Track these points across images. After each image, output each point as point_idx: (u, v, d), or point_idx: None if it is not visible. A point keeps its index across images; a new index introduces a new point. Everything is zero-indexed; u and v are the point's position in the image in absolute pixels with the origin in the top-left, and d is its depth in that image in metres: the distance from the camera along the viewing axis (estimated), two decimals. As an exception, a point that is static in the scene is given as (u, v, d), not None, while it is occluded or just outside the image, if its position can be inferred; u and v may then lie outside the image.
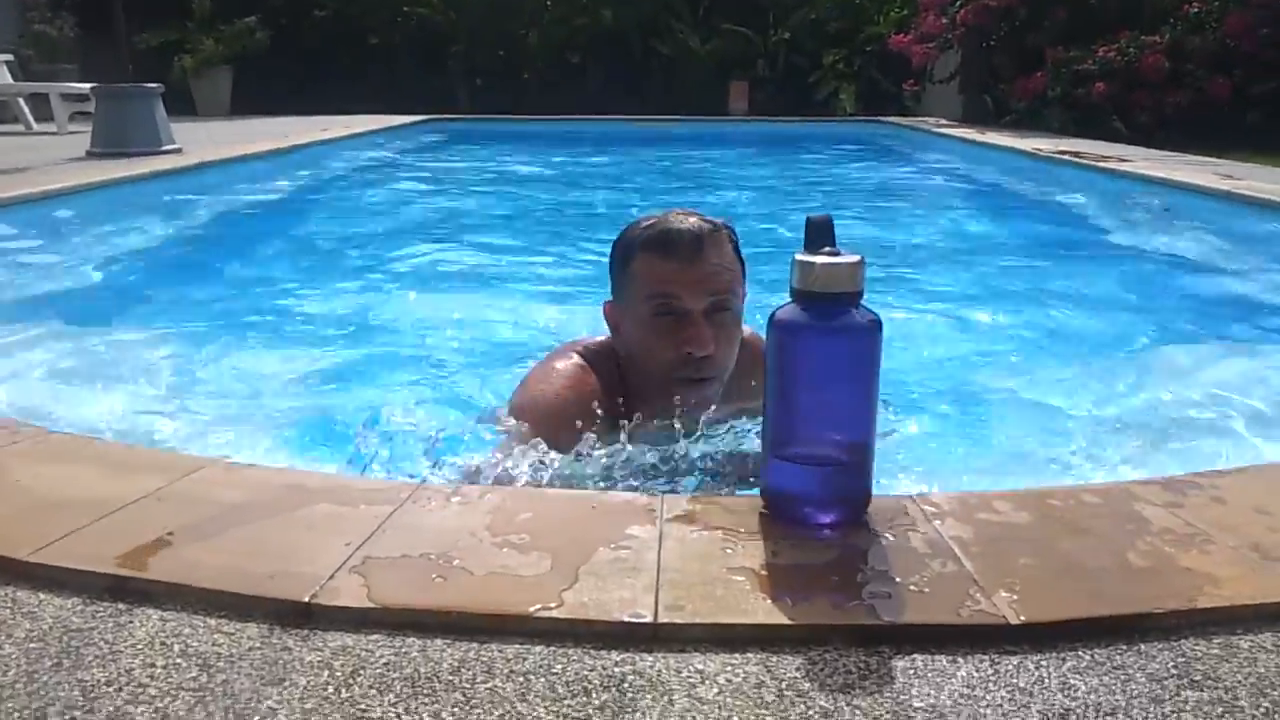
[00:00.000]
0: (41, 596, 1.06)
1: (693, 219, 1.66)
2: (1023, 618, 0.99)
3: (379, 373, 2.76)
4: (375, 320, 3.38)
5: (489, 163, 9.43)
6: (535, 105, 14.64)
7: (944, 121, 12.02)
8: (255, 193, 6.39)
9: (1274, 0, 9.37)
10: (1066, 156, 7.21)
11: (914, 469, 1.64)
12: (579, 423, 1.57)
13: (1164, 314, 3.43)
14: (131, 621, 1.02)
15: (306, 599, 1.02)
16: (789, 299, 1.15)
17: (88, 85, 9.31)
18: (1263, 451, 1.94)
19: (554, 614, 1.00)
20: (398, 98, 14.07)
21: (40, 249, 4.33)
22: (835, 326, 1.13)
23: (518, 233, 5.46)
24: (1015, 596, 1.03)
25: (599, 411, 1.60)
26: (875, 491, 1.23)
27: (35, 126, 9.64)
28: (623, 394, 1.69)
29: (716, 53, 15.40)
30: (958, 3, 11.28)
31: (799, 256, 1.13)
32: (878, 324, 1.14)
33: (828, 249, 1.13)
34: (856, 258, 1.12)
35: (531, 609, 1.01)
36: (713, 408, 1.65)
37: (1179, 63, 9.57)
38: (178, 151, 6.88)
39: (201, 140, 7.85)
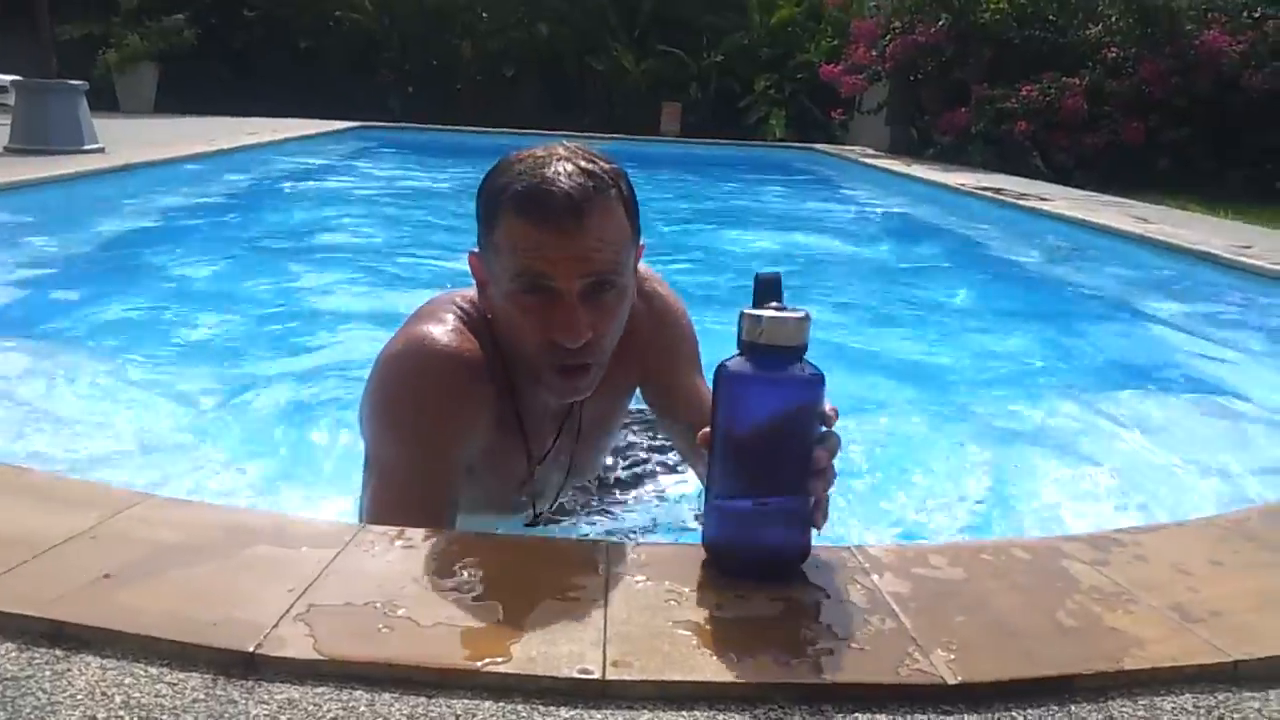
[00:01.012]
0: (-28, 642, 1.03)
1: (575, 171, 1.32)
2: (959, 678, 1.02)
3: (305, 391, 2.73)
4: (302, 335, 3.35)
5: (418, 173, 9.36)
6: (467, 116, 14.61)
7: (870, 151, 12.30)
8: (180, 198, 6.29)
9: (1185, 50, 9.80)
10: (989, 193, 7.42)
11: (850, 515, 1.67)
12: (468, 420, 1.39)
13: (1081, 359, 3.56)
14: (70, 670, 1.00)
15: (251, 649, 1.01)
16: (736, 351, 1.16)
17: (8, 77, 9.05)
18: (1181, 501, 2.02)
19: (502, 669, 1.00)
20: (328, 102, 13.94)
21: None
22: (780, 379, 1.15)
23: (441, 247, 5.45)
24: (952, 656, 1.06)
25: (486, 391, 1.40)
26: (816, 540, 1.26)
27: (-52, 117, 9.32)
28: (505, 368, 1.46)
29: (651, 73, 15.57)
30: (887, 37, 11.57)
31: (746, 311, 1.14)
32: (820, 378, 1.16)
33: (774, 304, 1.15)
34: (803, 313, 1.15)
35: (479, 663, 1.01)
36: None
37: (1097, 105, 9.95)
38: (100, 151, 6.72)
39: (125, 140, 7.67)
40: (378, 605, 1.10)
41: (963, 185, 7.98)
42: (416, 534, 1.30)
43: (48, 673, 0.99)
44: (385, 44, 15.34)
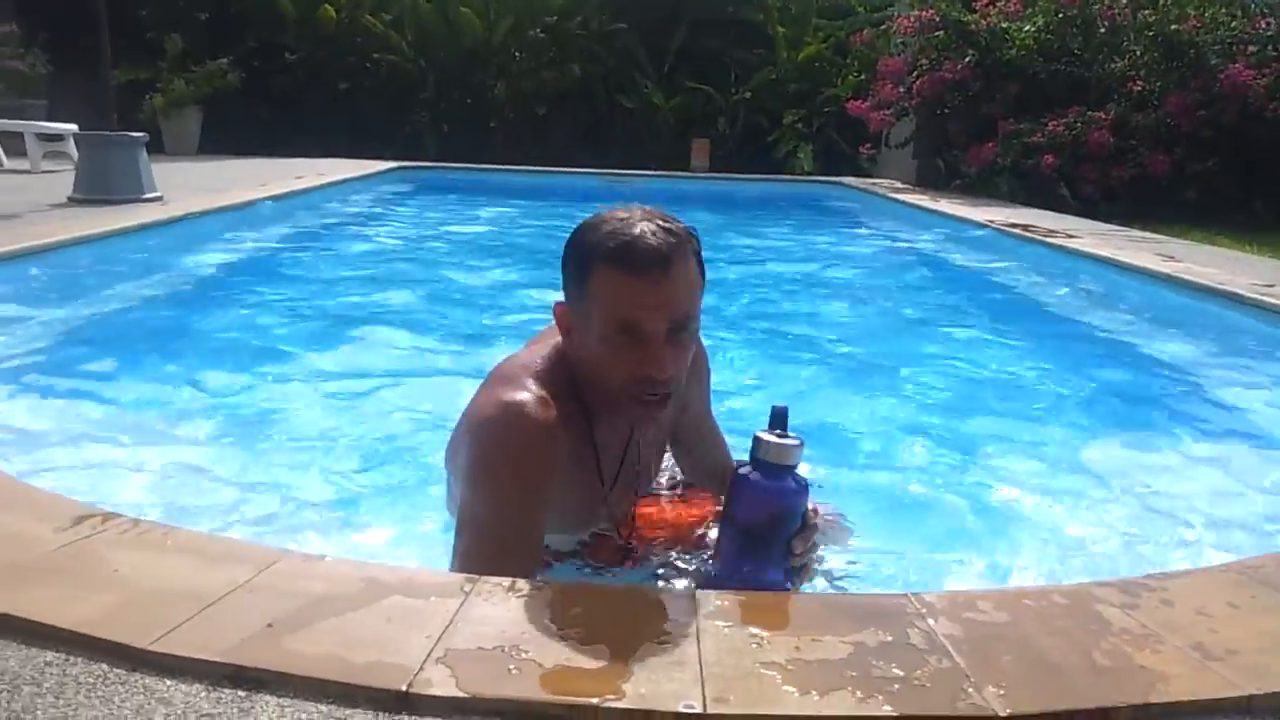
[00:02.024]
0: (168, 683, 1.22)
1: (658, 230, 1.54)
2: (1009, 710, 1.19)
3: (378, 437, 2.91)
4: (378, 383, 3.53)
5: (460, 213, 9.64)
6: (500, 154, 14.90)
7: (898, 185, 12.46)
8: (239, 244, 6.55)
9: (1210, 84, 9.92)
10: (1016, 229, 7.56)
11: (905, 562, 1.84)
12: (551, 473, 1.58)
13: (1108, 403, 3.67)
14: (254, 707, 1.18)
15: (404, 688, 1.19)
16: (748, 461, 1.54)
17: (70, 126, 9.40)
18: (1204, 548, 2.17)
19: (619, 704, 1.18)
20: (365, 141, 14.28)
21: (44, 304, 4.44)
22: (777, 487, 1.53)
23: (498, 289, 5.67)
24: (1002, 691, 1.23)
25: (567, 444, 1.61)
26: (877, 588, 1.45)
27: (6, 163, 9.68)
28: (583, 409, 1.67)
29: (679, 109, 15.82)
30: (914, 73, 11.75)
31: (760, 435, 1.52)
32: (805, 488, 1.55)
33: (779, 431, 1.52)
34: (798, 441, 1.51)
35: (599, 700, 1.18)
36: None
37: (1123, 138, 10.07)
38: (159, 200, 7.00)
39: (178, 185, 7.96)
40: (504, 649, 1.29)
41: (991, 221, 8.12)
42: (525, 584, 1.48)
43: (235, 710, 1.18)
44: (421, 84, 15.70)
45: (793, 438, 1.52)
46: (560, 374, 1.66)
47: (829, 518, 1.75)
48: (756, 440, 1.52)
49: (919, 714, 1.19)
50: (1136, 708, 1.23)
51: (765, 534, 1.54)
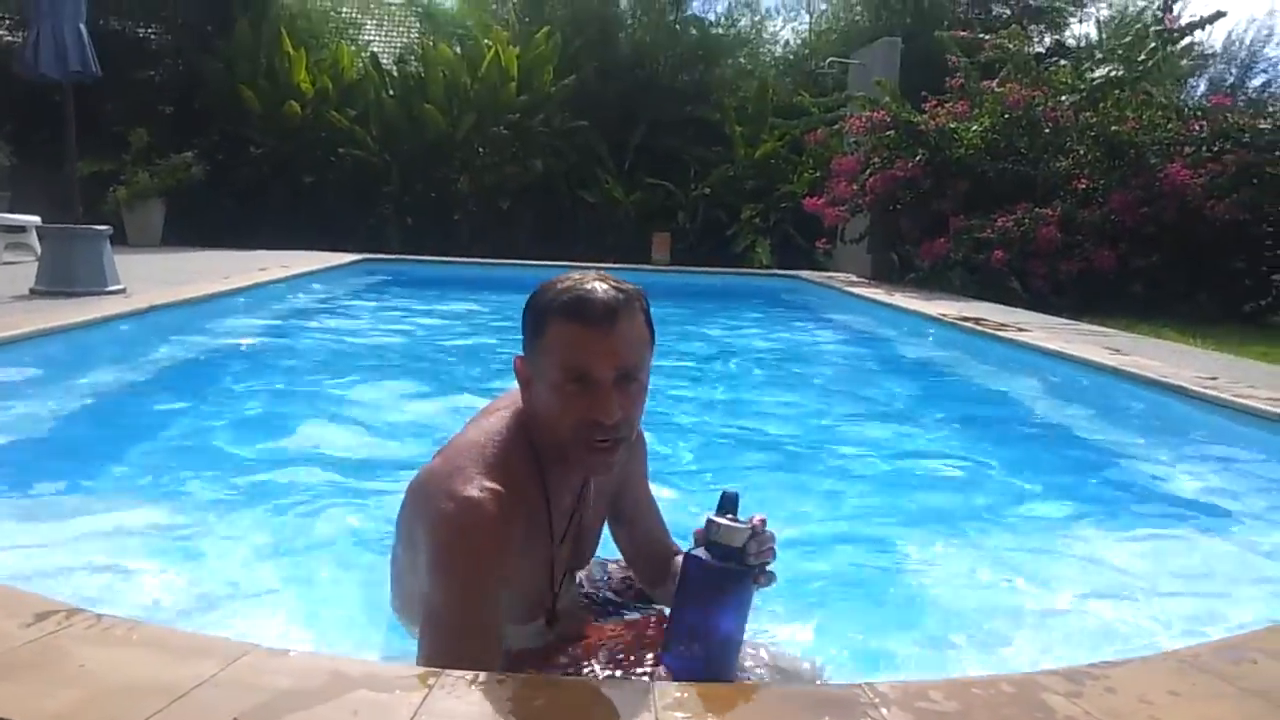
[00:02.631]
0: (135, 778, 1.24)
1: (607, 286, 1.66)
2: (957, 797, 1.24)
3: (355, 529, 2.93)
4: (333, 469, 3.54)
5: (424, 305, 9.72)
6: (464, 246, 15.08)
7: (854, 278, 12.75)
8: (203, 337, 6.56)
9: (1151, 183, 10.33)
10: (969, 323, 7.75)
11: (854, 647, 1.88)
12: (507, 559, 1.63)
13: (1054, 493, 3.77)
14: (220, 802, 1.20)
15: (369, 781, 1.22)
16: (698, 543, 1.64)
17: (33, 218, 9.44)
18: (1148, 635, 2.24)
19: (580, 795, 1.21)
20: (329, 233, 14.41)
21: (3, 397, 4.42)
22: (723, 569, 1.61)
23: (459, 381, 5.72)
24: (951, 779, 1.28)
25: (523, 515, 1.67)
26: (831, 677, 1.49)
27: (-35, 254, 9.67)
28: (539, 471, 1.75)
29: (640, 203, 16.16)
30: (867, 171, 12.12)
31: (710, 517, 1.61)
32: (750, 570, 1.62)
33: (730, 515, 1.61)
34: (746, 526, 1.60)
35: (560, 790, 1.22)
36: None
37: (1070, 234, 10.42)
38: (122, 293, 7.01)
39: (141, 277, 7.97)
40: (468, 742, 1.31)
41: (944, 315, 8.32)
42: (487, 677, 1.51)
43: (201, 804, 1.20)
44: (385, 178, 15.92)
45: (743, 522, 1.60)
46: (514, 437, 1.75)
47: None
48: (709, 523, 1.60)
49: (871, 801, 1.23)
50: (1079, 793, 1.28)
51: (716, 614, 1.60)
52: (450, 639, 1.59)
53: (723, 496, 1.63)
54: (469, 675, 1.49)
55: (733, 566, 1.59)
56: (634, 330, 1.67)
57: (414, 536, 1.72)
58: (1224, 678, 1.63)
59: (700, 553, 1.61)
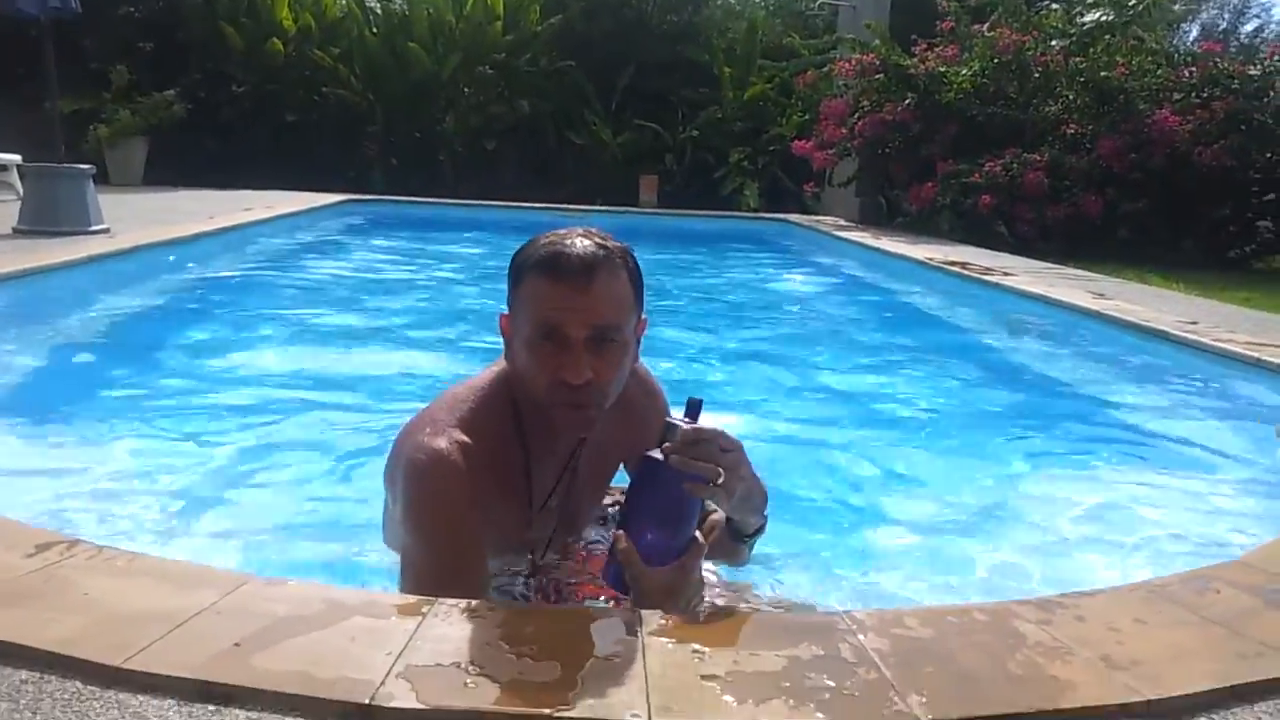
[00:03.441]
0: (140, 698, 1.28)
1: (589, 243, 1.62)
2: (930, 716, 1.29)
3: (343, 463, 2.98)
4: (315, 408, 3.58)
5: (411, 247, 9.70)
6: (450, 188, 14.99)
7: (842, 222, 12.74)
8: (189, 276, 6.58)
9: (1140, 129, 10.33)
10: (955, 268, 7.79)
11: (839, 583, 1.94)
12: (477, 512, 1.62)
13: (1034, 432, 3.86)
14: (224, 720, 1.25)
15: (366, 701, 1.27)
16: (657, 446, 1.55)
17: (13, 156, 9.33)
18: (1122, 568, 2.31)
19: (569, 714, 1.26)
20: (314, 174, 14.27)
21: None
22: (643, 459, 1.56)
23: (444, 319, 5.74)
24: (924, 699, 1.33)
25: (500, 472, 1.67)
26: (812, 601, 1.54)
27: (-56, 194, 9.57)
28: (519, 429, 1.72)
29: (627, 145, 16.06)
30: (856, 114, 12.06)
31: (669, 419, 1.55)
32: (660, 463, 1.53)
33: (688, 420, 1.55)
34: (683, 424, 1.54)
35: (551, 710, 1.27)
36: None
37: (1058, 179, 10.43)
38: (106, 232, 6.98)
39: (126, 218, 7.92)
40: (461, 664, 1.36)
41: (930, 259, 8.35)
42: (481, 605, 1.56)
43: (206, 723, 1.25)
44: (369, 117, 15.77)
45: (688, 423, 1.56)
46: (495, 394, 1.74)
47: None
48: (667, 424, 1.56)
49: (848, 720, 1.29)
50: (1045, 713, 1.34)
51: (671, 514, 1.55)
52: (426, 588, 1.61)
53: (688, 403, 1.58)
54: (463, 604, 1.54)
55: (650, 456, 1.53)
56: (613, 288, 1.62)
57: (394, 486, 1.74)
58: (1189, 607, 1.69)
59: (655, 454, 1.55)
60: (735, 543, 1.77)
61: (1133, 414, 4.10)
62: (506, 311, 1.71)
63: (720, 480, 1.52)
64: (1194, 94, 10.61)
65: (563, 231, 1.66)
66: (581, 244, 1.62)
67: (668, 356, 4.89)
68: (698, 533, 1.56)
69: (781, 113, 15.73)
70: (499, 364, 1.80)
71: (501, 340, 1.75)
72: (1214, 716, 1.37)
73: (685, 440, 1.51)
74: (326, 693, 1.29)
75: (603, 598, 1.77)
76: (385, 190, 14.48)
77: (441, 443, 1.63)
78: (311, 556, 2.30)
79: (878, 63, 11.77)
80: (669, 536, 1.55)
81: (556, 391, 1.61)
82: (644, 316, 1.73)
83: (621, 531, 1.54)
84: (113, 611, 1.48)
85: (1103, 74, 10.85)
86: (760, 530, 1.78)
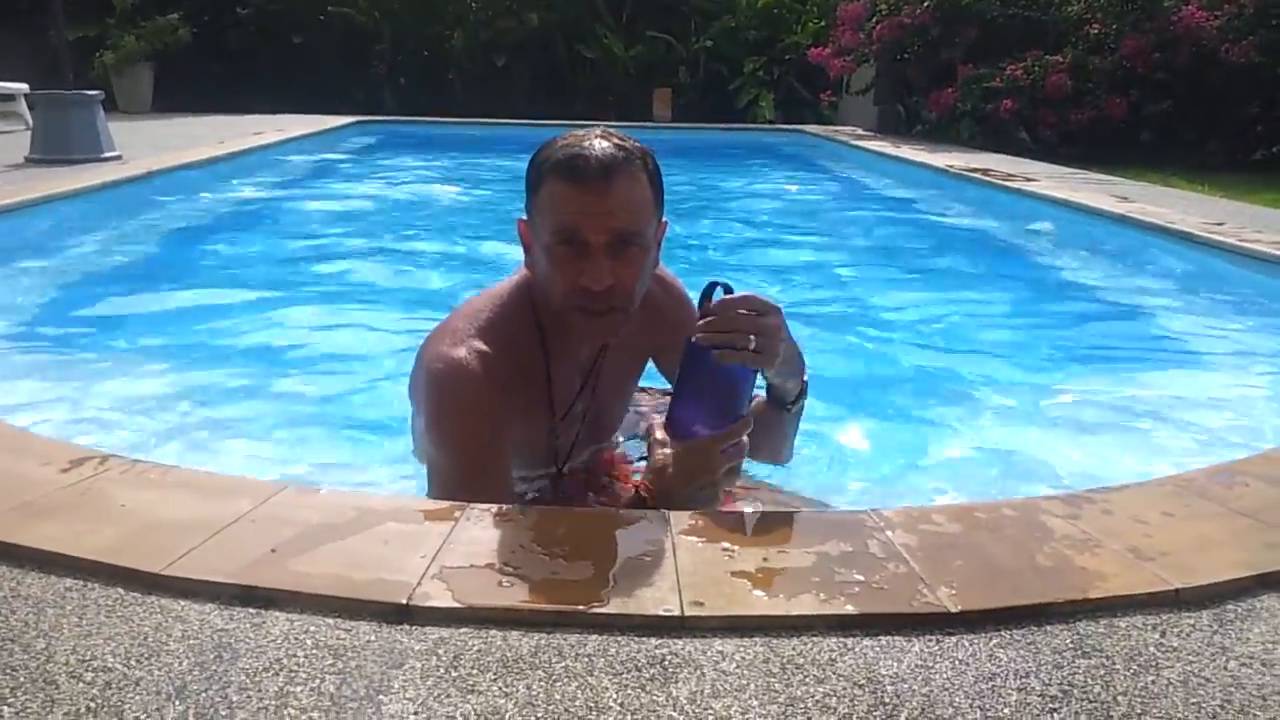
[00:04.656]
0: (183, 603, 1.30)
1: (607, 144, 1.57)
2: (960, 607, 1.31)
3: (369, 379, 3.00)
4: (352, 328, 3.60)
5: (423, 166, 9.63)
6: (460, 107, 14.81)
7: (860, 132, 12.54)
8: (204, 201, 6.56)
9: (1165, 26, 10.05)
10: (976, 175, 7.68)
11: (866, 482, 1.95)
12: (499, 417, 1.63)
13: (1061, 335, 3.84)
14: (265, 622, 1.27)
15: (404, 601, 1.29)
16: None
17: (21, 85, 9.26)
18: (1151, 465, 2.31)
19: (603, 610, 1.28)
20: (322, 96, 14.14)
21: (17, 262, 4.46)
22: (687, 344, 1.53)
23: (463, 237, 5.73)
24: (953, 591, 1.35)
25: (520, 380, 1.66)
26: (841, 505, 1.55)
27: (-45, 124, 9.53)
28: (540, 336, 1.72)
29: (640, 59, 15.77)
30: (873, 18, 11.79)
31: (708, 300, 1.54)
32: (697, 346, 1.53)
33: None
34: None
35: (584, 606, 1.29)
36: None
37: (1080, 82, 10.20)
38: (118, 159, 6.95)
39: (137, 145, 7.88)
40: (495, 565, 1.38)
41: (951, 166, 8.23)
42: (512, 509, 1.58)
43: (247, 625, 1.27)
44: (377, 37, 15.52)
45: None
46: (515, 302, 1.72)
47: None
48: (707, 295, 1.53)
49: (878, 612, 1.30)
50: (1074, 602, 1.35)
51: (717, 398, 1.53)
52: (452, 492, 1.63)
53: (716, 286, 1.56)
54: (495, 508, 1.56)
55: (691, 341, 1.51)
56: (633, 191, 1.57)
57: (417, 397, 1.76)
58: (1216, 500, 1.69)
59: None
60: (778, 411, 1.76)
61: (1159, 314, 4.07)
62: (525, 217, 1.68)
63: (752, 345, 1.50)
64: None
65: (580, 133, 1.61)
66: (600, 146, 1.57)
67: (686, 268, 4.85)
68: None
69: (796, 20, 15.38)
70: (520, 272, 1.78)
71: (521, 246, 1.73)
72: (1241, 604, 1.38)
73: (710, 310, 1.50)
74: (364, 594, 1.31)
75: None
76: (395, 110, 14.33)
77: (461, 352, 1.63)
78: (342, 464, 2.33)
79: (896, -37, 11.47)
80: (718, 425, 1.53)
81: (577, 297, 1.58)
82: (664, 220, 1.70)
83: (657, 420, 1.54)
84: (150, 521, 1.50)
85: (1128, -31, 10.53)
86: (802, 395, 1.76)
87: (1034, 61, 10.30)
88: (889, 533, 1.51)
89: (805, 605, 1.31)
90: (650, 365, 2.00)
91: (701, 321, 1.50)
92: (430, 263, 4.99)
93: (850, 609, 1.30)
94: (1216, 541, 1.53)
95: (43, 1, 7.33)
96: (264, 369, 3.11)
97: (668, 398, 2.13)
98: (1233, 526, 1.59)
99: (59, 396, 2.75)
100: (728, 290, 1.55)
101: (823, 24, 14.17)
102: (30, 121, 8.08)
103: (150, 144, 8.22)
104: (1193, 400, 2.89)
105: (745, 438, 1.55)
